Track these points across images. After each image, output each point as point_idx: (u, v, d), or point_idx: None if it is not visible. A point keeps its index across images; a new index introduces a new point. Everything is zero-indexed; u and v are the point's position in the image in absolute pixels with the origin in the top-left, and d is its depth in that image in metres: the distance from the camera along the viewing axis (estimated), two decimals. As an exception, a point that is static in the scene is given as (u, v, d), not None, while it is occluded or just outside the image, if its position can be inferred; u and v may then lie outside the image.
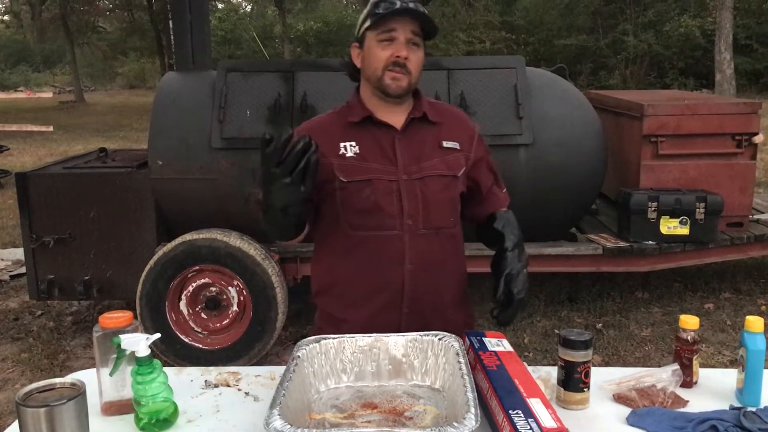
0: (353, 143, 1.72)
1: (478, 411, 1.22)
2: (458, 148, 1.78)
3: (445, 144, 1.76)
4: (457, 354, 1.46)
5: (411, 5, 1.64)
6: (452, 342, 1.52)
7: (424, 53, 1.71)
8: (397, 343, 1.57)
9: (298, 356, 1.48)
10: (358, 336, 1.57)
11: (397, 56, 1.65)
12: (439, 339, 1.55)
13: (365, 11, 1.70)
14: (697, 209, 4.03)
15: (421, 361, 1.55)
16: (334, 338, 1.55)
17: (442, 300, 1.77)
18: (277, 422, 1.20)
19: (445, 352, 1.52)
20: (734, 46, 13.89)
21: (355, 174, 1.70)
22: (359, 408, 1.44)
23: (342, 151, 1.72)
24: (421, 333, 1.58)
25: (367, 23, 1.68)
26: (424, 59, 1.74)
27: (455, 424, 1.19)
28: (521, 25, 20.25)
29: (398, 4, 1.63)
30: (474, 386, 1.32)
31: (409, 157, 1.72)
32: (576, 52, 18.98)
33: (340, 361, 1.54)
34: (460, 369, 1.40)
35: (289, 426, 1.20)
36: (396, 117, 1.75)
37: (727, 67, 13.48)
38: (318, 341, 1.54)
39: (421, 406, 1.44)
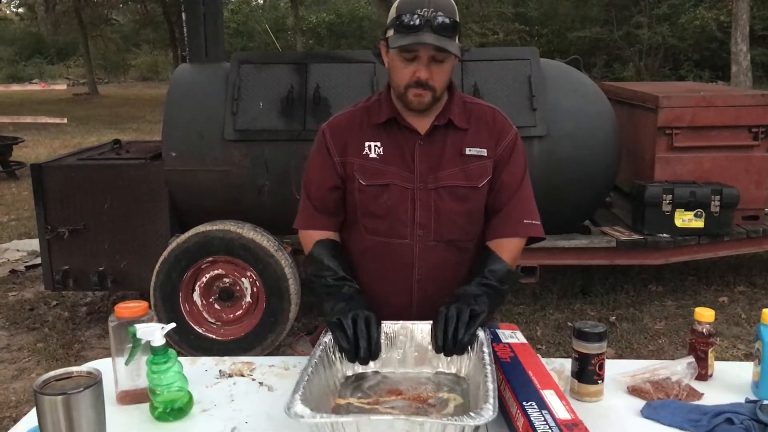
0: (378, 144, 1.69)
1: (497, 402, 1.22)
2: (484, 154, 1.68)
3: (468, 151, 1.68)
4: (482, 344, 1.47)
5: (436, 23, 1.52)
6: (479, 332, 1.52)
7: (454, 59, 1.60)
8: (423, 330, 1.57)
9: (325, 342, 1.50)
10: (385, 323, 1.57)
11: (418, 77, 1.58)
12: None
13: (391, 17, 1.59)
14: (713, 202, 4.00)
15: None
16: None
17: None
18: (298, 407, 1.21)
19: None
20: (751, 37, 13.72)
21: (374, 177, 1.67)
22: (384, 393, 1.45)
23: (366, 151, 1.68)
24: None
25: (391, 32, 1.59)
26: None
27: (472, 414, 1.19)
28: (535, 16, 20.09)
29: (419, 22, 1.52)
30: (495, 377, 1.32)
31: (428, 165, 1.67)
32: (590, 44, 18.83)
33: None
34: (483, 359, 1.39)
35: (309, 411, 1.21)
36: (422, 120, 1.68)
37: (744, 58, 13.32)
38: None
39: (445, 394, 1.45)
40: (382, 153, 1.68)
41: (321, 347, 1.47)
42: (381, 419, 1.20)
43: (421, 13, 1.53)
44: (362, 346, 1.47)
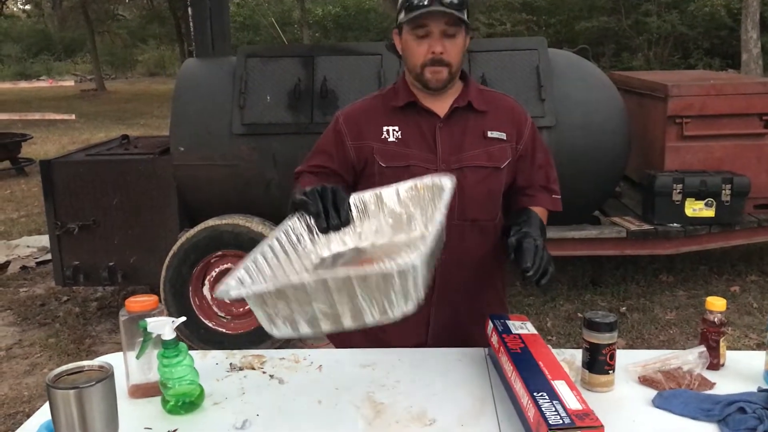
0: (396, 128, 1.71)
1: (429, 244, 1.19)
2: (504, 138, 1.72)
3: (490, 134, 1.71)
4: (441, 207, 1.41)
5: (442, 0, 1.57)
6: (447, 183, 1.49)
7: (465, 36, 1.66)
8: (395, 192, 1.56)
9: (288, 224, 1.45)
10: (353, 194, 1.55)
11: (433, 52, 1.61)
12: (435, 185, 1.54)
13: (400, 2, 1.65)
14: (723, 191, 3.97)
15: (422, 209, 1.55)
16: None
17: (474, 292, 1.74)
18: (229, 282, 1.17)
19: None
20: (761, 24, 13.58)
21: (394, 159, 1.69)
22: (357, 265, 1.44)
23: (384, 135, 1.70)
24: (417, 181, 1.56)
25: (402, 15, 1.64)
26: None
27: (396, 259, 1.15)
28: (542, 6, 19.96)
29: (427, 1, 1.57)
30: (443, 227, 1.27)
31: (450, 146, 1.69)
32: (598, 34, 18.69)
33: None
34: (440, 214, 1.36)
35: (233, 283, 1.16)
36: (440, 103, 1.71)
37: (754, 46, 13.19)
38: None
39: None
40: (400, 136, 1.70)
41: (281, 230, 1.42)
42: (309, 281, 1.14)
43: None
44: (331, 213, 1.46)
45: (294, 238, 1.45)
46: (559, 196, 1.83)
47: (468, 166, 1.69)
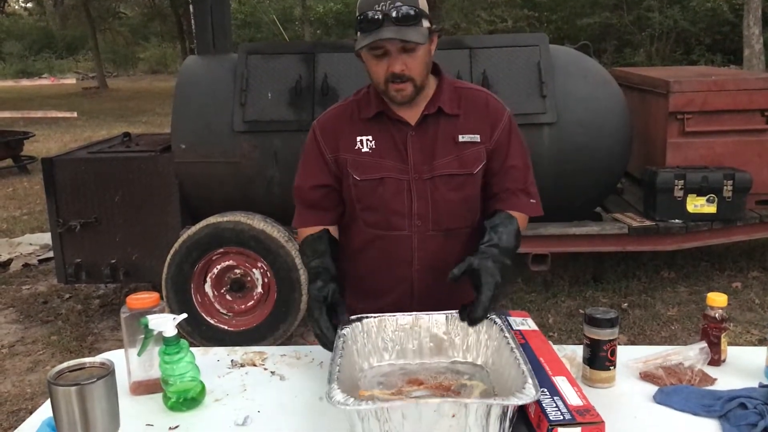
0: (369, 137, 1.68)
1: (536, 381, 1.22)
2: (478, 140, 1.67)
3: (462, 138, 1.66)
4: (501, 330, 1.46)
5: (396, 15, 1.51)
6: (494, 318, 1.51)
7: (429, 42, 1.59)
8: (437, 321, 1.57)
9: (344, 334, 1.48)
10: (398, 315, 1.57)
11: (392, 71, 1.57)
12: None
13: (355, 18, 1.59)
14: (725, 187, 3.96)
15: (462, 338, 1.55)
16: (374, 317, 1.55)
17: (454, 300, 1.70)
18: (339, 395, 1.20)
19: (486, 329, 1.52)
20: (763, 20, 13.55)
21: (368, 172, 1.67)
22: (405, 384, 1.45)
23: (358, 145, 1.68)
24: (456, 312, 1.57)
25: (358, 35, 1.58)
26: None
27: (517, 393, 1.18)
28: (544, 2, 19.92)
29: (379, 17, 1.51)
30: (527, 359, 1.31)
31: (421, 155, 1.66)
32: (600, 30, 18.65)
33: (381, 340, 1.55)
34: (508, 344, 1.40)
35: (352, 398, 1.19)
36: (411, 110, 1.67)
37: (756, 42, 13.16)
38: (360, 320, 1.54)
39: (466, 381, 1.44)
40: (374, 146, 1.67)
41: (341, 339, 1.46)
42: (429, 402, 1.18)
43: (380, 8, 1.52)
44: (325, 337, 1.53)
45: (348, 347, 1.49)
46: (537, 200, 1.75)
47: (439, 175, 1.66)
